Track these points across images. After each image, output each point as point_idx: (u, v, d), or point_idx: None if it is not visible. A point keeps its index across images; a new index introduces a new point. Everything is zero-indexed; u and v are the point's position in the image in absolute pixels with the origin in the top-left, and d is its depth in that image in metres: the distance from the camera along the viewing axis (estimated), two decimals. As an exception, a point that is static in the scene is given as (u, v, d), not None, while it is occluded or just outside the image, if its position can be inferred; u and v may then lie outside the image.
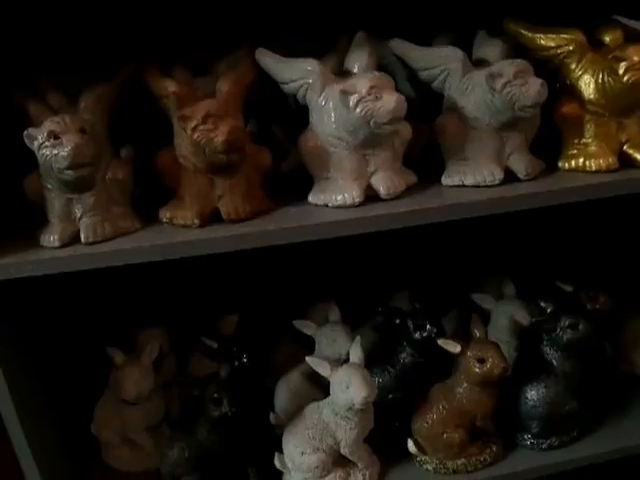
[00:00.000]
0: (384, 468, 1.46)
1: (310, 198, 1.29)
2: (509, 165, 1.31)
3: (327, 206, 1.26)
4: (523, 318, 1.54)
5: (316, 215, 1.24)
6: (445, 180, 1.33)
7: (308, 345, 1.51)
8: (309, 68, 1.27)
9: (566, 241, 1.83)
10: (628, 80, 1.24)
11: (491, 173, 1.28)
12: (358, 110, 1.18)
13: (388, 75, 1.25)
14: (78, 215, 1.22)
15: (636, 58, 1.24)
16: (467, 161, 1.31)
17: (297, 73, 1.28)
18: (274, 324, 1.62)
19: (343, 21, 1.39)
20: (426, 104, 1.35)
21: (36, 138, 1.16)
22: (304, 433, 1.38)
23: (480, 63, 1.33)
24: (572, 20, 1.34)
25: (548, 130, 1.34)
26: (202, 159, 1.20)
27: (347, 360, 1.38)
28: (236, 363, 1.52)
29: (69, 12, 1.39)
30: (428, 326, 1.43)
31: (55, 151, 1.14)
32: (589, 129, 1.33)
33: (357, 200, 1.24)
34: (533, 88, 1.22)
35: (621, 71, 1.25)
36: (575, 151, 1.34)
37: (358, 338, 1.38)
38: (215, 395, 1.32)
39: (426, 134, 1.33)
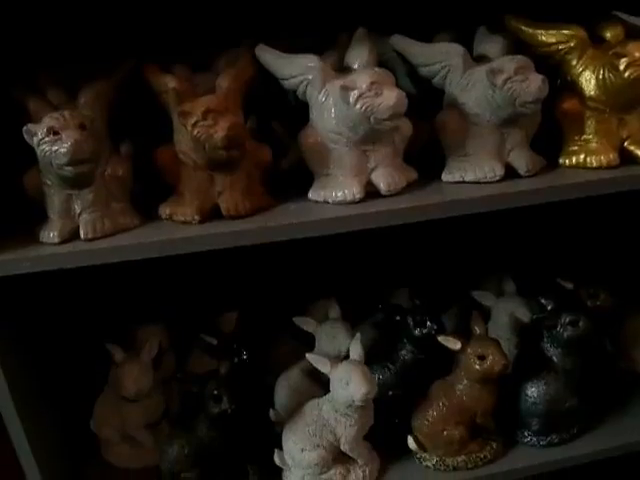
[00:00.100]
0: (384, 465, 1.46)
1: (310, 194, 1.29)
2: (510, 161, 1.30)
3: (327, 202, 1.26)
4: (523, 315, 1.54)
5: (316, 211, 1.24)
6: (445, 176, 1.32)
7: (308, 342, 1.51)
8: (309, 64, 1.26)
9: (566, 238, 1.83)
10: (629, 76, 1.24)
11: (492, 169, 1.28)
12: (358, 106, 1.18)
13: (388, 71, 1.24)
14: (78, 211, 1.22)
15: (637, 54, 1.23)
16: (468, 157, 1.31)
17: (297, 69, 1.27)
18: (274, 321, 1.62)
19: (343, 18, 1.39)
20: (427, 101, 1.35)
21: (35, 134, 1.15)
22: (304, 430, 1.38)
23: (481, 59, 1.32)
24: (573, 16, 1.33)
25: (549, 126, 1.34)
26: (202, 155, 1.20)
27: (347, 357, 1.38)
28: (236, 360, 1.52)
29: (69, 8, 1.39)
30: (428, 323, 1.43)
31: (55, 147, 1.14)
32: (590, 125, 1.32)
33: (357, 196, 1.23)
34: (534, 84, 1.21)
35: (622, 67, 1.24)
36: (576, 147, 1.34)
37: (358, 335, 1.38)
38: (215, 392, 1.32)
39: (426, 130, 1.33)
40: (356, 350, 1.36)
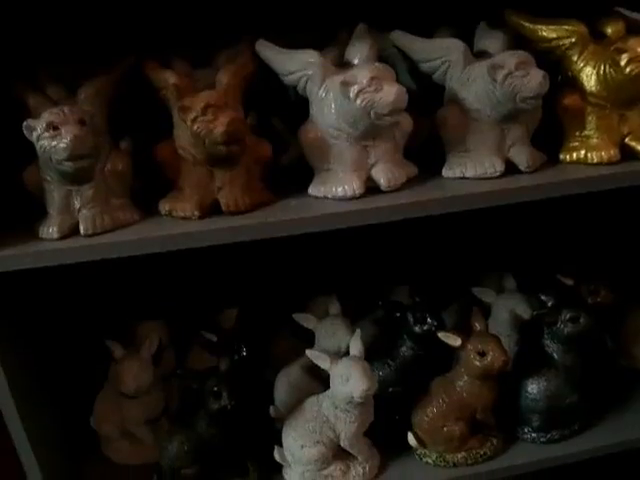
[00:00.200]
0: (384, 461, 1.46)
1: (310, 190, 1.29)
2: (510, 157, 1.30)
3: (327, 198, 1.26)
4: (524, 312, 1.54)
5: (316, 207, 1.23)
6: (446, 172, 1.32)
7: (308, 338, 1.51)
8: (309, 60, 1.26)
9: (567, 234, 1.83)
10: (630, 72, 1.24)
11: (492, 165, 1.28)
12: (358, 101, 1.18)
13: (389, 66, 1.24)
14: (77, 207, 1.21)
15: (638, 50, 1.23)
16: (468, 153, 1.30)
17: (297, 65, 1.27)
18: (274, 317, 1.61)
19: (343, 14, 1.38)
20: (427, 96, 1.35)
21: (35, 129, 1.15)
22: (304, 426, 1.38)
23: (481, 55, 1.32)
24: (574, 12, 1.33)
25: (549, 122, 1.33)
26: (202, 150, 1.19)
27: (347, 353, 1.37)
28: (236, 356, 1.51)
29: (69, 4, 1.39)
30: (428, 319, 1.43)
31: (54, 142, 1.14)
32: (591, 121, 1.32)
33: (357, 192, 1.23)
34: (535, 79, 1.21)
35: (623, 63, 1.24)
36: (576, 143, 1.33)
37: (358, 331, 1.38)
38: (215, 388, 1.32)
39: (427, 126, 1.33)
40: (356, 346, 1.36)
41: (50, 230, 1.20)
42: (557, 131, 1.36)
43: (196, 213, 1.22)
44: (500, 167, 1.28)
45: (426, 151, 1.34)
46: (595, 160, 1.30)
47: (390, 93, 1.17)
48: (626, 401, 1.60)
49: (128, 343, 1.52)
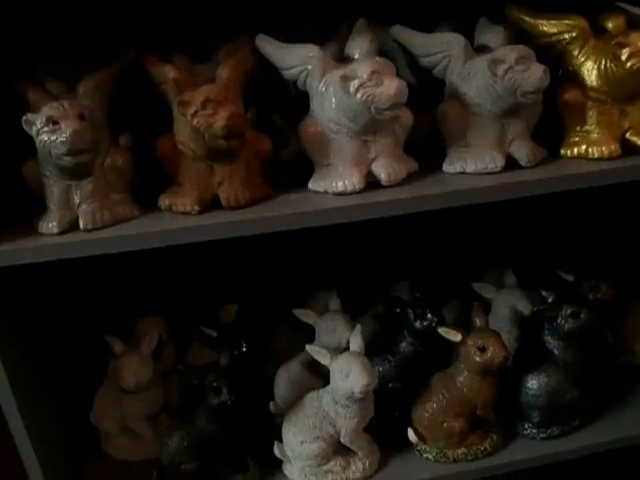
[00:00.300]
0: (384, 457, 1.46)
1: (310, 185, 1.28)
2: (511, 152, 1.30)
3: (327, 193, 1.25)
4: (524, 308, 1.54)
5: (316, 202, 1.23)
6: (446, 167, 1.32)
7: (308, 334, 1.51)
8: (309, 54, 1.26)
9: (567, 230, 1.83)
10: (631, 67, 1.23)
11: (493, 160, 1.27)
12: (359, 95, 1.17)
13: (389, 61, 1.24)
14: (77, 202, 1.21)
15: (639, 44, 1.23)
16: (468, 148, 1.30)
17: (297, 59, 1.27)
18: (274, 313, 1.61)
19: (344, 9, 1.38)
20: (427, 91, 1.35)
21: (34, 123, 1.15)
22: (304, 422, 1.38)
23: (482, 50, 1.32)
24: (574, 6, 1.33)
25: (550, 117, 1.33)
26: (201, 145, 1.19)
27: (347, 349, 1.37)
28: (236, 352, 1.51)
29: (69, 1, 1.39)
30: (429, 315, 1.43)
31: (54, 137, 1.13)
32: (591, 116, 1.31)
33: (357, 187, 1.23)
34: (535, 74, 1.20)
35: (624, 57, 1.24)
36: (577, 138, 1.33)
37: (358, 326, 1.38)
38: (215, 384, 1.32)
39: (427, 121, 1.33)
40: (356, 342, 1.36)
41: (50, 225, 1.20)
42: (558, 126, 1.36)
43: (196, 208, 1.21)
44: (501, 162, 1.28)
45: (426, 146, 1.34)
46: (596, 155, 1.30)
47: (390, 87, 1.17)
48: (626, 397, 1.60)
49: (128, 339, 1.52)
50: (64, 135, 1.13)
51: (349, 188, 1.23)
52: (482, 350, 1.35)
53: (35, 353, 1.41)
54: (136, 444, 1.53)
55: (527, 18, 1.32)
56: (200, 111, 1.16)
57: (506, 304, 1.56)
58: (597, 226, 1.83)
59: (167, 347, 1.62)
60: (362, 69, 1.19)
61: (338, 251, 1.70)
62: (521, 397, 1.46)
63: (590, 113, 1.32)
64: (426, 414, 1.43)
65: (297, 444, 1.38)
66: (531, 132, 1.32)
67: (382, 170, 1.24)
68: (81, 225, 1.19)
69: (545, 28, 1.31)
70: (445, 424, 1.42)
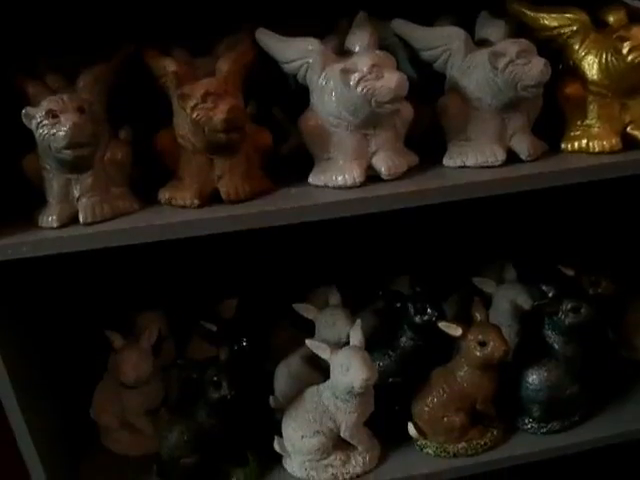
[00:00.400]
0: (384, 452, 1.46)
1: (310, 179, 1.28)
2: (511, 146, 1.29)
3: (327, 187, 1.25)
4: (524, 302, 1.54)
5: (316, 196, 1.23)
6: (447, 161, 1.32)
7: (308, 329, 1.51)
8: (309, 47, 1.26)
9: (568, 224, 1.82)
10: (632, 60, 1.23)
11: (493, 154, 1.27)
12: (359, 89, 1.17)
13: (389, 54, 1.23)
14: (77, 195, 1.21)
15: (641, 38, 1.23)
16: (469, 142, 1.30)
17: (297, 52, 1.27)
18: (274, 307, 1.61)
19: (344, 3, 1.37)
20: (428, 85, 1.35)
21: (34, 117, 1.15)
22: (304, 416, 1.38)
23: (483, 43, 1.32)
24: (575, 0, 1.32)
25: (551, 111, 1.33)
26: (201, 138, 1.19)
27: (347, 343, 1.37)
28: (235, 347, 1.51)
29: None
30: (429, 310, 1.43)
31: (53, 130, 1.13)
32: (592, 110, 1.31)
33: (358, 180, 1.23)
34: (536, 68, 1.20)
35: (625, 51, 1.23)
36: (578, 132, 1.33)
37: (359, 321, 1.38)
38: (214, 378, 1.32)
39: (428, 115, 1.33)
40: (356, 336, 1.35)
41: (49, 219, 1.20)
42: (558, 120, 1.35)
43: (196, 202, 1.21)
44: (501, 156, 1.27)
45: (427, 140, 1.34)
46: (597, 149, 1.30)
47: (391, 81, 1.17)
48: (627, 392, 1.59)
49: (128, 333, 1.51)
50: (64, 128, 1.13)
51: (349, 182, 1.23)
52: (482, 345, 1.35)
53: (35, 347, 1.41)
54: (136, 438, 1.53)
55: (528, 12, 1.32)
56: (200, 104, 1.15)
57: (506, 299, 1.56)
58: (597, 221, 1.82)
59: (167, 341, 1.62)
60: (362, 62, 1.19)
61: (338, 245, 1.70)
62: (521, 392, 1.46)
63: (591, 107, 1.31)
64: (426, 409, 1.43)
65: (297, 439, 1.38)
66: (532, 126, 1.32)
67: (382, 164, 1.24)
68: (81, 219, 1.19)
69: (546, 22, 1.31)
70: (445, 419, 1.42)
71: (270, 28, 1.30)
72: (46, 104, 1.15)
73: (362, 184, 1.23)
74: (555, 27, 1.31)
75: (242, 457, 1.43)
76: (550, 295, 1.46)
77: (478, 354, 1.35)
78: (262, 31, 1.30)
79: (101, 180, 1.22)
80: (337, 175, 1.24)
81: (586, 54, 1.30)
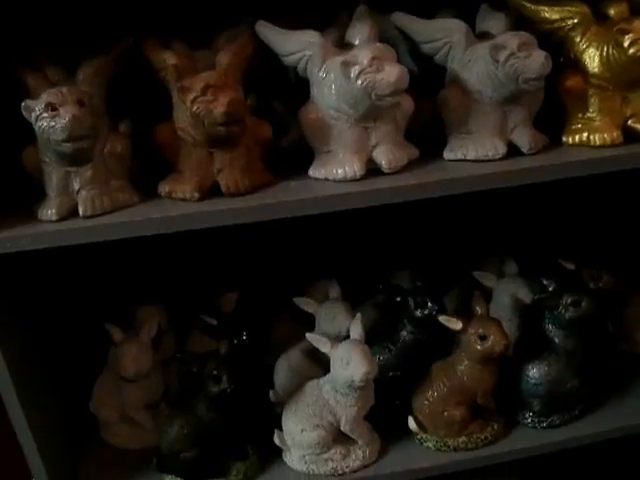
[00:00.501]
0: (384, 445, 1.46)
1: (311, 172, 1.28)
2: (512, 139, 1.29)
3: (328, 180, 1.25)
4: (525, 296, 1.54)
5: (316, 189, 1.23)
6: (447, 154, 1.31)
7: (308, 322, 1.51)
8: (309, 40, 1.25)
9: (569, 218, 1.82)
10: (633, 53, 1.22)
11: (494, 147, 1.27)
12: (359, 82, 1.17)
13: (390, 47, 1.23)
14: (76, 188, 1.21)
15: (642, 31, 1.23)
16: (470, 135, 1.30)
17: (297, 45, 1.26)
18: (274, 301, 1.62)
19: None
20: (428, 78, 1.34)
21: (34, 109, 1.14)
22: (304, 410, 1.38)
23: (483, 36, 1.31)
24: (576, -8, 1.32)
25: (552, 104, 1.33)
26: (201, 131, 1.19)
27: (347, 337, 1.37)
28: (236, 340, 1.51)
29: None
30: (429, 304, 1.42)
31: (53, 122, 1.13)
32: (593, 103, 1.31)
33: (358, 173, 1.22)
34: (537, 60, 1.20)
35: (626, 44, 1.23)
36: (579, 125, 1.33)
37: (359, 315, 1.38)
38: (214, 372, 1.32)
39: (428, 108, 1.32)
40: (356, 330, 1.35)
41: (49, 212, 1.20)
42: (559, 113, 1.35)
43: (196, 195, 1.21)
44: (502, 149, 1.27)
45: (427, 133, 1.33)
46: (598, 142, 1.29)
47: (391, 73, 1.16)
48: (627, 386, 1.59)
49: (127, 327, 1.51)
50: (63, 121, 1.12)
51: (349, 175, 1.23)
52: (483, 338, 1.35)
53: (35, 341, 1.41)
54: (136, 432, 1.53)
55: (528, 4, 1.31)
56: (200, 97, 1.15)
57: (507, 293, 1.56)
58: (598, 214, 1.82)
59: (167, 335, 1.62)
60: (363, 55, 1.18)
61: (338, 239, 1.69)
62: (522, 386, 1.46)
63: (592, 100, 1.31)
64: (426, 403, 1.43)
65: (297, 432, 1.38)
66: (533, 119, 1.32)
67: (383, 157, 1.24)
68: (80, 212, 1.19)
69: (547, 14, 1.31)
70: (446, 413, 1.42)
71: (270, 21, 1.30)
72: (46, 97, 1.15)
73: (362, 177, 1.23)
74: (556, 20, 1.31)
75: (242, 451, 1.43)
76: (551, 289, 1.46)
77: (478, 348, 1.35)
78: (262, 24, 1.30)
79: (101, 173, 1.22)
80: (337, 168, 1.23)
81: (587, 47, 1.29)
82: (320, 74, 1.24)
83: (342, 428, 1.38)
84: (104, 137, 1.23)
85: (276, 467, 1.44)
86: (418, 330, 1.46)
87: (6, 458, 1.44)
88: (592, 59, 1.29)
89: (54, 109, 1.13)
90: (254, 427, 1.46)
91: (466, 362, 1.39)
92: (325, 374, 1.38)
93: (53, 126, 1.13)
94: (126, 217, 1.19)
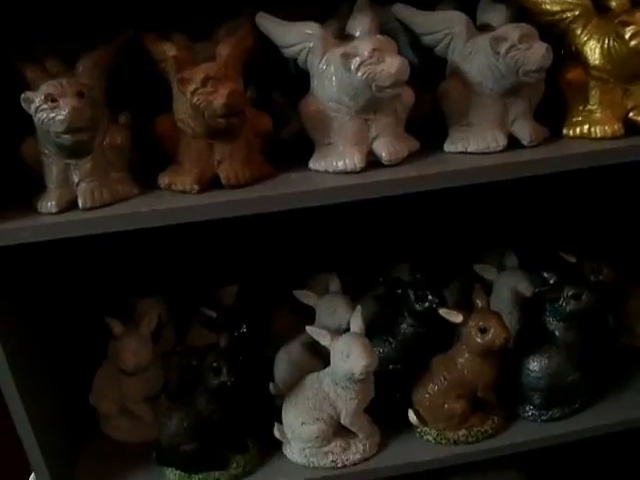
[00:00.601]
0: (384, 439, 1.46)
1: (311, 164, 1.28)
2: (513, 131, 1.29)
3: (328, 172, 1.25)
4: (526, 289, 1.53)
5: (317, 181, 1.23)
6: (448, 146, 1.31)
7: (308, 315, 1.51)
8: (310, 32, 1.25)
9: (570, 211, 1.82)
10: (635, 45, 1.22)
11: (494, 139, 1.27)
12: (360, 73, 1.16)
13: (390, 38, 1.23)
14: (76, 181, 1.21)
15: (643, 23, 1.22)
16: (470, 127, 1.29)
17: (297, 37, 1.26)
18: (274, 294, 1.62)
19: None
20: (429, 70, 1.34)
21: (33, 101, 1.14)
22: (304, 403, 1.38)
23: (484, 28, 1.31)
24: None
25: (553, 97, 1.32)
26: (201, 123, 1.18)
27: (348, 330, 1.37)
28: (236, 333, 1.51)
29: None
30: (429, 296, 1.42)
31: (52, 114, 1.13)
32: (594, 95, 1.30)
33: (358, 166, 1.22)
34: (538, 52, 1.19)
35: (627, 36, 1.22)
36: (580, 118, 1.32)
37: (359, 308, 1.38)
38: (214, 364, 1.32)
39: (429, 100, 1.32)
40: (357, 323, 1.35)
41: (48, 204, 1.19)
42: (560, 105, 1.35)
43: (195, 187, 1.21)
44: (502, 141, 1.27)
45: (428, 125, 1.33)
46: (599, 135, 1.29)
47: (392, 65, 1.16)
48: (628, 380, 1.59)
49: (127, 320, 1.51)
50: (63, 113, 1.12)
51: (350, 167, 1.22)
52: (483, 331, 1.35)
53: (34, 334, 1.40)
54: (135, 425, 1.53)
55: (530, -4, 1.31)
56: (200, 89, 1.15)
57: (507, 286, 1.56)
58: (599, 207, 1.82)
59: (167, 328, 1.62)
60: (363, 47, 1.18)
61: (338, 232, 1.69)
62: (522, 379, 1.46)
63: (593, 92, 1.31)
64: (427, 396, 1.43)
65: (297, 425, 1.38)
66: (533, 111, 1.32)
67: (383, 149, 1.24)
68: (80, 204, 1.19)
69: (548, 6, 1.30)
70: (446, 406, 1.42)
71: (270, 12, 1.30)
72: (45, 88, 1.15)
73: (362, 169, 1.23)
74: (557, 12, 1.30)
75: (242, 444, 1.43)
76: (551, 282, 1.46)
77: (479, 341, 1.35)
78: (262, 15, 1.30)
79: (100, 165, 1.22)
80: (337, 160, 1.23)
81: (588, 39, 1.29)
82: (320, 66, 1.24)
83: (342, 421, 1.38)
84: (104, 129, 1.23)
85: (276, 460, 1.44)
86: (418, 323, 1.46)
87: (6, 452, 1.43)
88: (593, 51, 1.28)
89: (54, 101, 1.13)
90: (254, 420, 1.46)
91: (466, 355, 1.39)
92: (325, 367, 1.38)
93: (53, 118, 1.13)
94: (126, 209, 1.19)
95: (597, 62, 1.28)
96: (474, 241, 1.71)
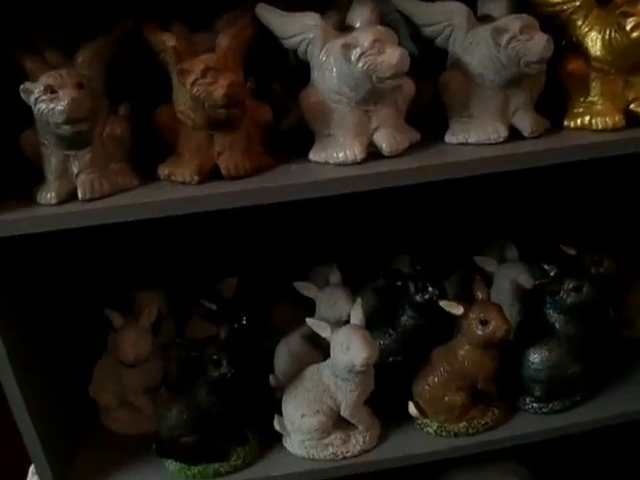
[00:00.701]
0: (385, 431, 1.45)
1: (311, 155, 1.28)
2: (514, 123, 1.29)
3: (328, 163, 1.25)
4: (526, 281, 1.53)
5: (317, 172, 1.23)
6: (449, 138, 1.31)
7: (308, 307, 1.51)
8: (310, 22, 1.25)
9: (570, 203, 1.81)
10: (636, 37, 1.22)
11: (495, 131, 1.26)
12: (360, 64, 1.16)
13: (391, 29, 1.22)
14: (75, 172, 1.20)
15: (645, 14, 1.22)
16: (471, 118, 1.29)
17: (298, 28, 1.26)
18: (274, 286, 1.62)
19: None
20: (430, 61, 1.33)
21: (32, 92, 1.14)
22: (304, 395, 1.38)
23: (485, 19, 1.30)
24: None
25: (554, 88, 1.32)
26: (201, 114, 1.18)
27: (348, 322, 1.37)
28: (236, 325, 1.51)
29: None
30: (430, 288, 1.42)
31: (52, 105, 1.13)
32: (595, 87, 1.30)
33: (359, 157, 1.22)
34: (539, 43, 1.19)
35: (629, 27, 1.22)
36: (581, 109, 1.32)
37: (359, 300, 1.38)
38: (214, 356, 1.31)
39: (429, 91, 1.32)
40: (357, 315, 1.35)
41: (48, 195, 1.20)
42: (561, 97, 1.34)
43: (195, 178, 1.21)
44: (503, 133, 1.27)
45: (429, 116, 1.33)
46: (600, 126, 1.28)
47: (392, 56, 1.16)
48: (628, 372, 1.59)
49: (127, 312, 1.51)
50: (62, 104, 1.12)
51: (350, 158, 1.22)
52: (484, 323, 1.34)
53: (34, 326, 1.40)
54: (135, 417, 1.53)
55: (531, -13, 1.31)
56: (200, 79, 1.15)
57: (508, 278, 1.55)
58: (600, 199, 1.81)
59: (167, 320, 1.62)
60: (364, 37, 1.18)
61: (339, 223, 1.69)
62: (523, 371, 1.45)
63: (594, 84, 1.30)
64: (427, 388, 1.42)
65: (297, 417, 1.38)
66: (534, 103, 1.31)
67: (384, 140, 1.23)
68: (79, 195, 1.19)
69: (549, -3, 1.30)
70: (446, 398, 1.41)
71: (271, 3, 1.29)
72: (44, 79, 1.15)
73: (363, 161, 1.23)
74: (558, 3, 1.30)
75: (242, 436, 1.43)
76: (552, 274, 1.45)
77: (479, 333, 1.35)
78: (262, 6, 1.29)
79: (100, 156, 1.22)
80: (338, 152, 1.23)
81: (589, 30, 1.29)
82: (321, 57, 1.24)
83: (342, 413, 1.38)
84: (103, 120, 1.23)
85: (276, 452, 1.44)
86: (419, 315, 1.45)
87: (6, 443, 1.43)
88: (594, 42, 1.28)
89: (53, 91, 1.13)
90: (254, 412, 1.46)
91: (467, 347, 1.39)
92: (325, 359, 1.38)
93: (52, 108, 1.13)
94: (125, 200, 1.19)
95: (598, 53, 1.28)
96: (474, 233, 1.71)
